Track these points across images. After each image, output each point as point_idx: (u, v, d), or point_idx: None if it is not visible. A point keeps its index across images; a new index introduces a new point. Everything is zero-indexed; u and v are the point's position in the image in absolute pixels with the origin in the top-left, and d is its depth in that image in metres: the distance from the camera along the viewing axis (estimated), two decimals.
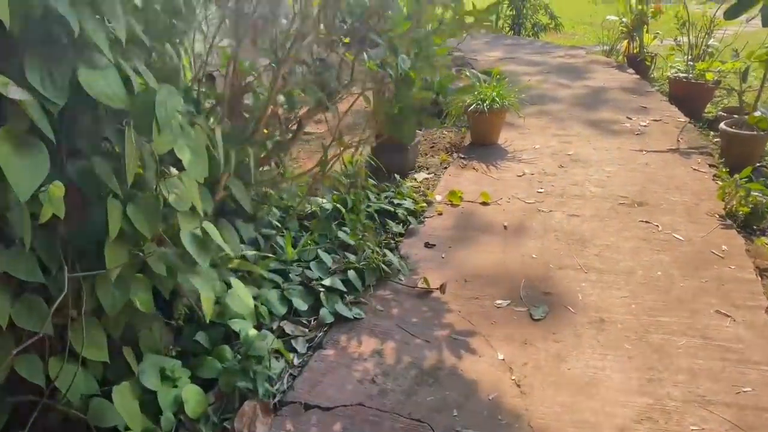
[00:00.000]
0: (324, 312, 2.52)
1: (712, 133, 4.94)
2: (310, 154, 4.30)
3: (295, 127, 2.80)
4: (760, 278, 2.79)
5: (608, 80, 6.73)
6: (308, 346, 2.38)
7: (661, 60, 6.98)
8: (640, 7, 7.00)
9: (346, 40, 2.60)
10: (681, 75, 5.73)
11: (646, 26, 7.12)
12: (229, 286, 2.14)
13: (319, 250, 2.87)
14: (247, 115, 2.67)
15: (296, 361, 2.29)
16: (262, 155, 2.78)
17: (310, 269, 2.74)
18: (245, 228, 2.71)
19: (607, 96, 6.08)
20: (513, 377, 2.20)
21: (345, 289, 2.66)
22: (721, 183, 3.73)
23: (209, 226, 1.75)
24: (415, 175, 4.19)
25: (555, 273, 2.88)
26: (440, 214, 3.57)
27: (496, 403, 2.07)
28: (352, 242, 2.95)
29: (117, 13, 1.55)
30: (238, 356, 2.13)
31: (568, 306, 2.62)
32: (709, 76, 5.37)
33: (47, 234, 1.57)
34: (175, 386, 1.94)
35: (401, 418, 2.01)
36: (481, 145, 4.71)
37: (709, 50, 5.87)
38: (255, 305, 2.37)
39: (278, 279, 2.61)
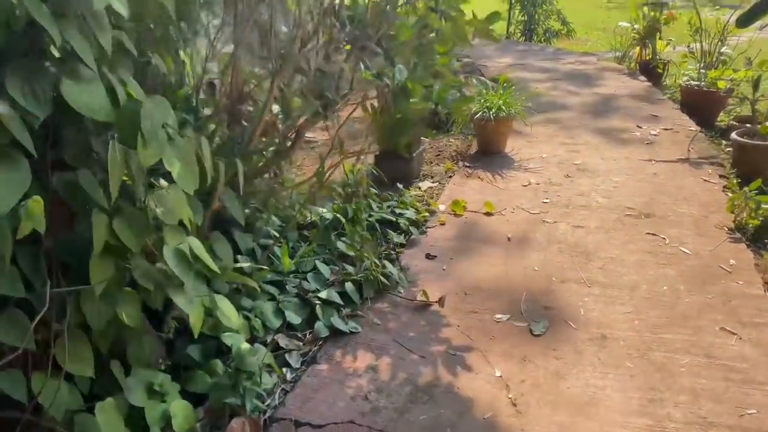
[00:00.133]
0: (319, 325, 2.48)
1: (724, 142, 4.83)
2: (315, 161, 4.26)
3: (293, 136, 2.78)
4: None
5: (619, 87, 6.65)
6: (302, 361, 2.34)
7: (674, 67, 6.88)
8: (652, 13, 6.90)
9: (348, 47, 2.58)
10: (693, 83, 5.64)
11: (659, 33, 7.02)
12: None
13: (317, 261, 2.83)
14: (246, 124, 2.65)
15: (289, 376, 2.25)
16: (261, 164, 2.76)
17: (308, 281, 2.70)
18: (243, 238, 2.69)
19: (618, 104, 6.00)
20: (510, 395, 2.14)
21: (342, 302, 2.61)
22: (731, 195, 3.65)
23: (194, 242, 1.71)
24: (420, 184, 4.14)
25: (557, 286, 2.83)
26: (443, 224, 3.53)
27: (490, 423, 2.02)
28: (351, 253, 2.91)
29: (103, 25, 1.53)
30: (229, 371, 2.10)
31: (570, 321, 2.56)
32: (721, 84, 5.27)
33: (30, 248, 1.55)
34: (164, 401, 1.91)
35: None
36: (488, 154, 4.66)
37: (722, 58, 5.77)
38: (249, 318, 2.34)
39: (274, 291, 2.57)
